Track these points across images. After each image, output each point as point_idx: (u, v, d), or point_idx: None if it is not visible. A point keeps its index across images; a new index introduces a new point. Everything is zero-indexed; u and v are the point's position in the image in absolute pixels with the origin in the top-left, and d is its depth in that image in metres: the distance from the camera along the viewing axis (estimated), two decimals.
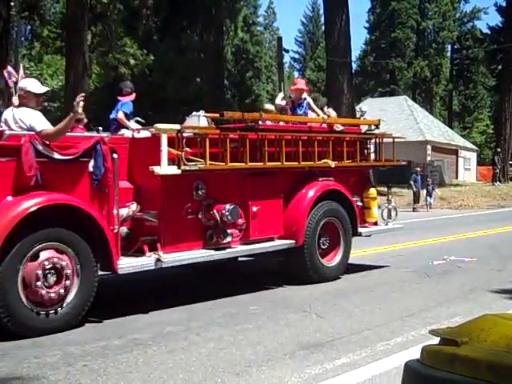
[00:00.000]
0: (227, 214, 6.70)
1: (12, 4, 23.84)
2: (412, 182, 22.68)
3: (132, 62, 28.03)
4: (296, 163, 7.69)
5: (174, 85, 32.70)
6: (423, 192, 22.78)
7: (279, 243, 7.52)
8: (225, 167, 6.82)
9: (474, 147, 51.44)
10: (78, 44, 22.99)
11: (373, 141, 9.13)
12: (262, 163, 7.26)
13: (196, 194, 6.67)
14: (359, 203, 8.64)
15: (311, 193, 7.86)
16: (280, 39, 34.48)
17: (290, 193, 7.76)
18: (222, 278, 8.52)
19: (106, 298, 7.15)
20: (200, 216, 6.70)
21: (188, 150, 6.46)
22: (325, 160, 8.03)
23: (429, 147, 41.28)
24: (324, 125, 8.52)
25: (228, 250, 6.92)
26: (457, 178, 42.32)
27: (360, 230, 8.63)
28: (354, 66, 43.80)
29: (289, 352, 4.89)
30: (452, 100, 65.22)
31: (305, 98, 8.82)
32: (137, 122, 7.95)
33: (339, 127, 8.56)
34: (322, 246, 8.05)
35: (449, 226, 16.06)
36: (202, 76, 35.97)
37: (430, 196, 22.36)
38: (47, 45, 31.66)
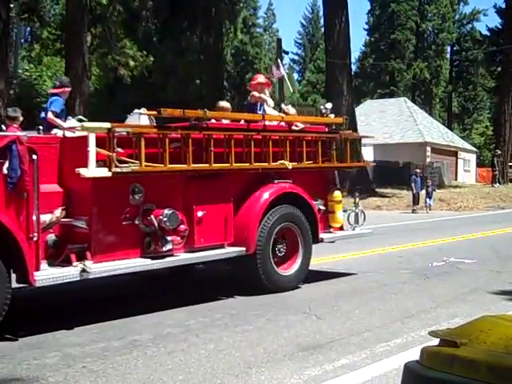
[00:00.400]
0: (165, 219, 6.16)
1: (12, 6, 23.87)
2: (412, 184, 22.68)
3: (132, 63, 28.02)
4: (247, 164, 7.14)
5: (173, 86, 32.71)
6: (423, 193, 22.77)
7: (227, 251, 6.97)
8: (163, 169, 6.28)
9: (474, 149, 51.49)
10: (77, 46, 23.00)
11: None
12: (207, 164, 6.71)
13: (133, 198, 6.14)
14: (321, 207, 8.13)
15: (265, 196, 7.30)
16: (279, 41, 34.48)
17: (242, 196, 7.23)
18: (221, 279, 8.51)
19: (105, 299, 7.16)
20: (137, 222, 6.17)
21: (120, 150, 5.94)
22: (281, 161, 7.51)
23: (428, 149, 41.31)
24: (282, 123, 7.96)
25: (168, 259, 6.40)
26: (456, 179, 42.35)
27: (322, 235, 8.10)
28: (353, 67, 43.93)
29: (288, 353, 4.89)
30: (451, 101, 65.28)
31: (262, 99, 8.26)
32: (79, 120, 7.36)
33: (299, 126, 8.01)
34: (278, 254, 7.52)
35: (448, 227, 16.06)
36: (201, 77, 35.97)
37: (430, 197, 22.35)
38: (47, 46, 31.66)
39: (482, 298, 6.99)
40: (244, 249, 7.04)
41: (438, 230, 15.01)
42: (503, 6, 40.84)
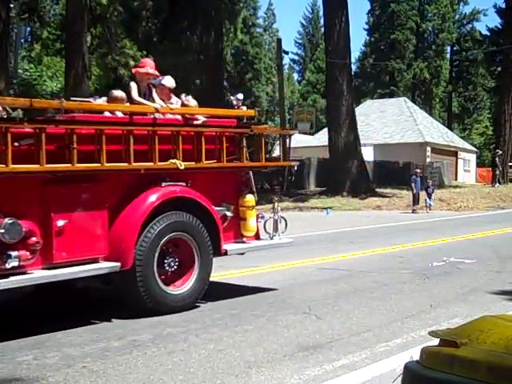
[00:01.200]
0: (2, 231, 5.19)
1: (12, 6, 23.89)
2: (412, 184, 22.69)
3: (131, 63, 27.99)
4: (125, 164, 6.08)
5: None
6: (423, 193, 22.79)
7: (96, 267, 5.88)
8: (4, 170, 5.27)
9: (474, 149, 51.52)
10: (77, 46, 23.02)
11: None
12: (69, 165, 5.66)
13: None
14: (228, 213, 7.01)
15: (147, 202, 6.21)
16: (279, 41, 34.53)
17: (121, 202, 6.16)
18: (220, 279, 8.52)
19: (105, 299, 7.15)
20: None
21: None
22: (172, 160, 6.44)
23: (428, 149, 41.34)
24: (178, 116, 6.96)
25: (15, 278, 5.31)
26: (456, 179, 42.37)
27: (227, 246, 6.97)
28: (353, 67, 43.96)
29: (288, 353, 4.89)
30: (451, 101, 65.32)
31: (149, 85, 7.09)
32: None
33: (200, 119, 7.07)
34: (168, 269, 6.41)
35: (448, 227, 16.06)
36: (201, 78, 35.98)
37: (430, 197, 22.37)
38: (47, 46, 31.69)
39: (481, 298, 6.99)
40: (119, 264, 5.94)
41: (437, 230, 15.01)
42: (503, 5, 40.83)
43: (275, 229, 7.60)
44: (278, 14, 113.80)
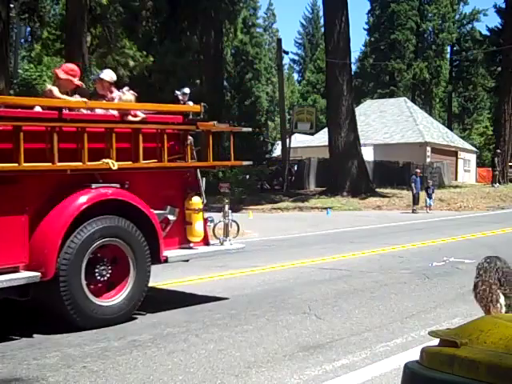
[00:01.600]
0: None
1: (12, 6, 23.89)
2: (412, 184, 22.71)
3: (131, 63, 28.03)
4: (49, 164, 5.58)
5: (173, 86, 32.74)
6: (423, 193, 22.80)
7: (9, 278, 5.26)
8: None
9: (474, 149, 51.52)
10: (77, 46, 23.01)
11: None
12: None
13: None
14: (171, 217, 6.47)
15: (74, 205, 5.65)
16: (279, 41, 34.57)
17: (44, 206, 5.63)
18: (220, 279, 8.52)
19: None
20: None
21: None
22: (104, 160, 5.94)
23: (428, 149, 41.33)
24: (115, 112, 6.39)
25: None
26: (456, 179, 42.38)
27: (168, 253, 6.40)
28: (353, 67, 43.91)
29: (288, 353, 4.89)
30: (451, 101, 65.33)
31: (76, 89, 6.52)
32: None
33: (140, 115, 6.47)
34: (100, 278, 5.88)
35: (448, 227, 16.06)
36: (201, 78, 36.01)
37: (430, 197, 22.38)
38: (47, 46, 31.68)
39: None
40: (38, 274, 5.38)
41: (437, 230, 15.01)
42: (503, 5, 40.82)
43: (226, 233, 7.12)
44: (277, 14, 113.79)
